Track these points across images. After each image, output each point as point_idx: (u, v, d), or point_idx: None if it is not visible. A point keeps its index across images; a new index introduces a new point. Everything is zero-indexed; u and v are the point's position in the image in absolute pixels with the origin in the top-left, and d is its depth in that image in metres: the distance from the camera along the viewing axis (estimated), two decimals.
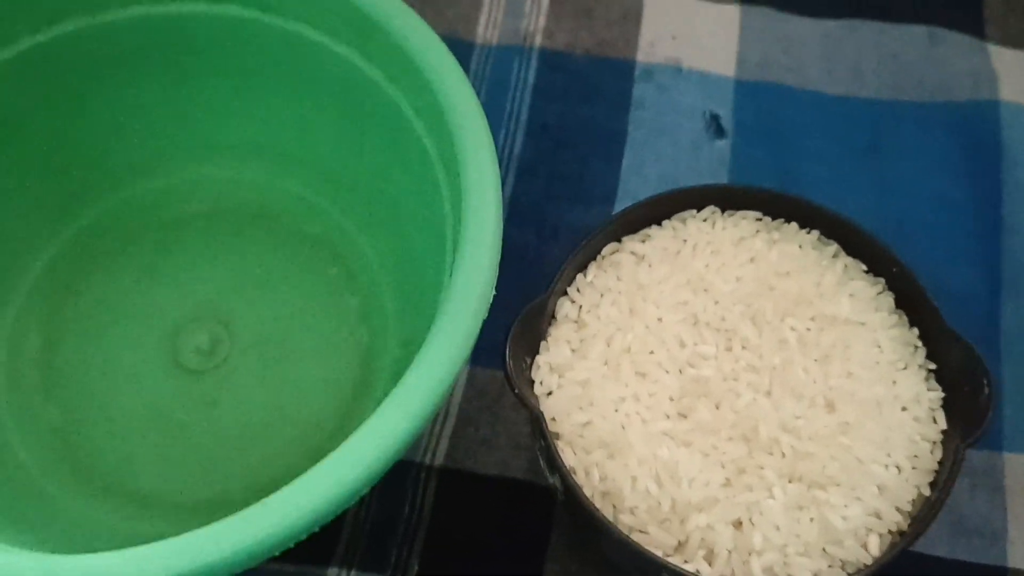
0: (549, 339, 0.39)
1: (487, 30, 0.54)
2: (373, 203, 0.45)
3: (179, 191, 0.47)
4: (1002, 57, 0.53)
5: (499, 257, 0.34)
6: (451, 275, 0.34)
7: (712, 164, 0.50)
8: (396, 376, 0.39)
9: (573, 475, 0.35)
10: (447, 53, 0.39)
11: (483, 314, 0.33)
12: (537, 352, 0.38)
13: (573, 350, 0.38)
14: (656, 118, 0.51)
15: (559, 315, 0.39)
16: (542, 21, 0.54)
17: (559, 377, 0.38)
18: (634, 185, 0.49)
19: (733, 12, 0.55)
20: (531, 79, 0.52)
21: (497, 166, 0.36)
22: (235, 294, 0.45)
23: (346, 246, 0.46)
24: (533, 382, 0.37)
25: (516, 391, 0.35)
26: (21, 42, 0.41)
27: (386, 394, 0.40)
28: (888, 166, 0.50)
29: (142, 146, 0.46)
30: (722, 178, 0.50)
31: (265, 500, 0.30)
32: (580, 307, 0.39)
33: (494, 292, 0.34)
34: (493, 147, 0.36)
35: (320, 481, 0.30)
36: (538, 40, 0.54)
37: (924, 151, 0.51)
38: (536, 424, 0.36)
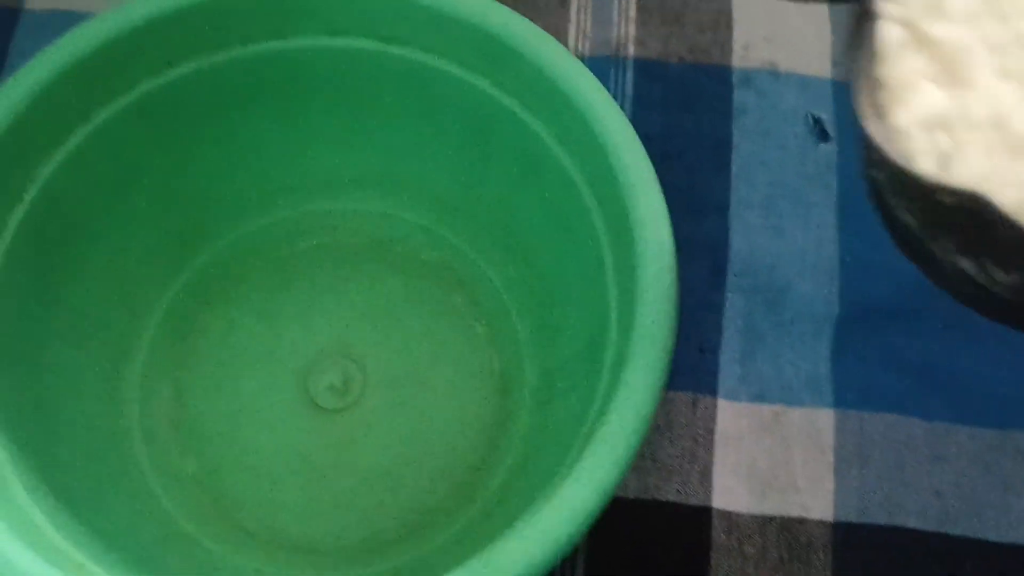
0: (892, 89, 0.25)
1: (578, 41, 0.53)
2: (497, 230, 0.44)
3: (295, 226, 0.46)
4: None
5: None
6: (629, 338, 0.33)
7: (820, 168, 0.50)
8: (539, 406, 0.39)
9: None
10: (590, 76, 0.38)
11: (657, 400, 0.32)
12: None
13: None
14: (759, 124, 0.51)
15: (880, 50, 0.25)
16: (632, 29, 0.54)
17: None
18: (745, 193, 0.49)
19: (822, 10, 0.54)
20: (629, 90, 0.52)
21: (661, 196, 0.36)
22: (361, 327, 0.45)
23: (468, 273, 0.45)
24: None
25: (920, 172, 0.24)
26: (140, 86, 0.40)
27: (530, 426, 0.40)
28: None
29: (255, 183, 0.45)
30: (832, 184, 0.49)
31: None
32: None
33: None
34: (657, 183, 0.36)
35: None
36: (631, 49, 0.53)
37: None
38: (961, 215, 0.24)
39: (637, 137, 0.37)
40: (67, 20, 0.52)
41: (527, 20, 0.39)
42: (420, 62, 0.41)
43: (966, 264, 0.25)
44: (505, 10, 0.39)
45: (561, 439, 0.35)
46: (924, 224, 0.26)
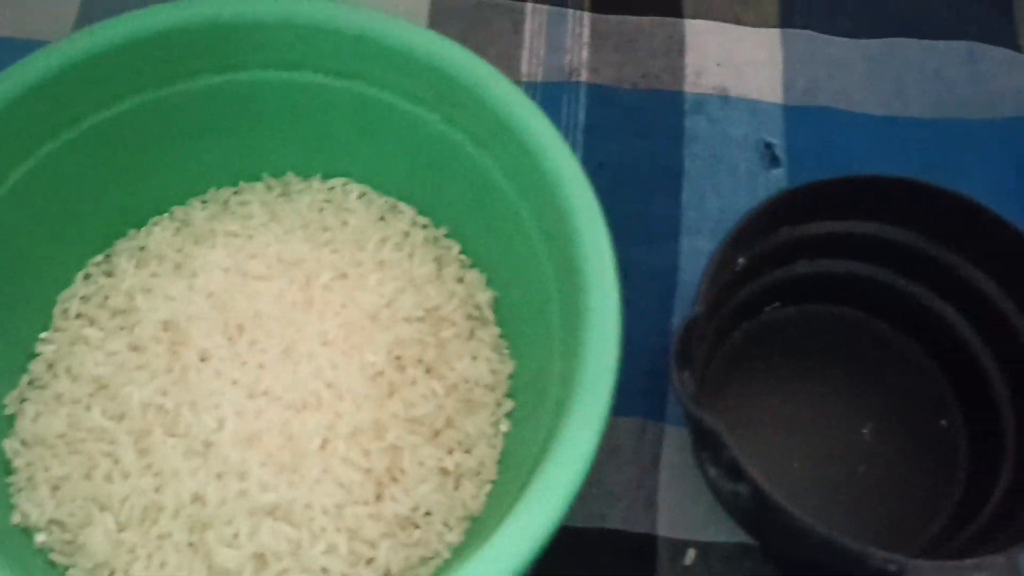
0: None
1: (530, 67, 0.54)
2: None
3: None
4: None
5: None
6: (572, 387, 0.34)
7: (771, 193, 0.50)
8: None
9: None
10: (539, 114, 0.38)
11: (600, 439, 0.33)
12: (690, 366, 0.38)
13: None
14: (710, 150, 0.51)
15: None
16: (585, 55, 0.54)
17: None
18: (695, 220, 0.50)
19: (774, 36, 0.55)
20: (582, 116, 0.52)
21: (607, 237, 0.36)
22: None
23: None
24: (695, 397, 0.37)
25: (690, 407, 0.35)
26: (87, 120, 0.40)
27: None
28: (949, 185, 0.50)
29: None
30: None
31: None
32: None
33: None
34: (604, 223, 0.36)
35: None
36: (584, 75, 0.53)
37: (975, 169, 0.51)
38: (712, 437, 0.35)
39: (586, 177, 0.37)
40: (11, 47, 0.52)
41: (477, 56, 0.39)
42: (370, 95, 0.42)
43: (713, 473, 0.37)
44: (455, 47, 0.40)
45: (520, 469, 0.36)
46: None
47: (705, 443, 0.38)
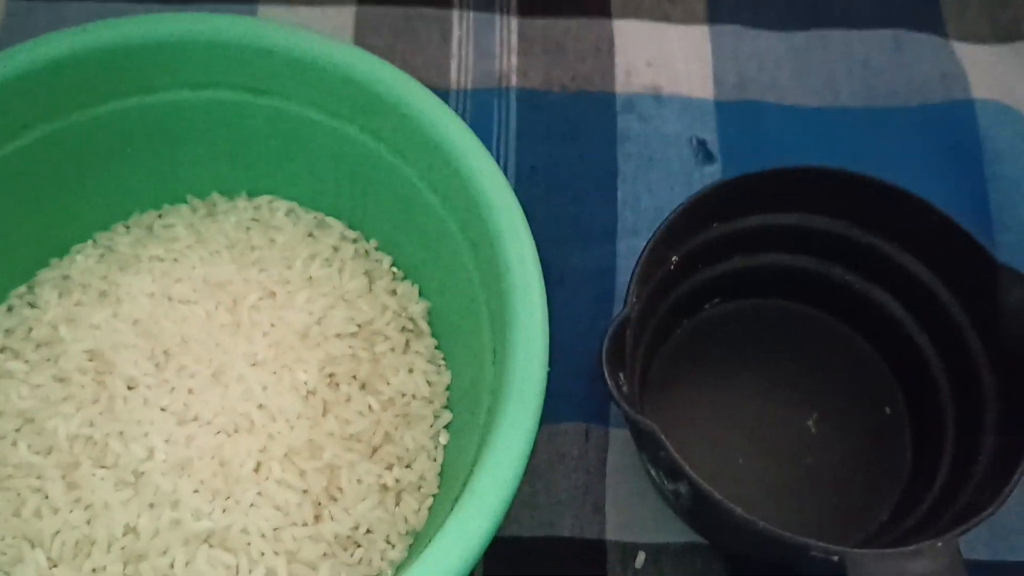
0: None
1: (460, 75, 0.53)
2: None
3: None
4: (967, 54, 0.54)
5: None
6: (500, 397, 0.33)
7: None
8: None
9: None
10: (458, 121, 0.38)
11: (534, 434, 0.32)
12: (624, 367, 0.37)
13: None
14: (644, 150, 0.51)
15: None
16: (514, 60, 0.54)
17: None
18: (631, 221, 0.49)
19: (702, 32, 0.55)
20: (512, 121, 0.52)
21: (531, 243, 0.36)
22: None
23: None
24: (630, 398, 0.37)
25: (624, 408, 0.35)
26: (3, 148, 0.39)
27: None
28: (882, 175, 0.50)
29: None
30: None
31: None
32: None
33: None
34: (527, 230, 0.36)
35: None
36: (514, 80, 0.53)
37: (906, 157, 0.51)
38: (648, 437, 0.35)
39: (505, 181, 0.37)
40: None
41: (391, 65, 0.39)
42: (288, 110, 0.41)
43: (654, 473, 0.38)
44: (368, 56, 0.39)
45: (457, 480, 0.36)
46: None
47: (643, 444, 0.37)
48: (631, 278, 0.38)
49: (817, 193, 0.42)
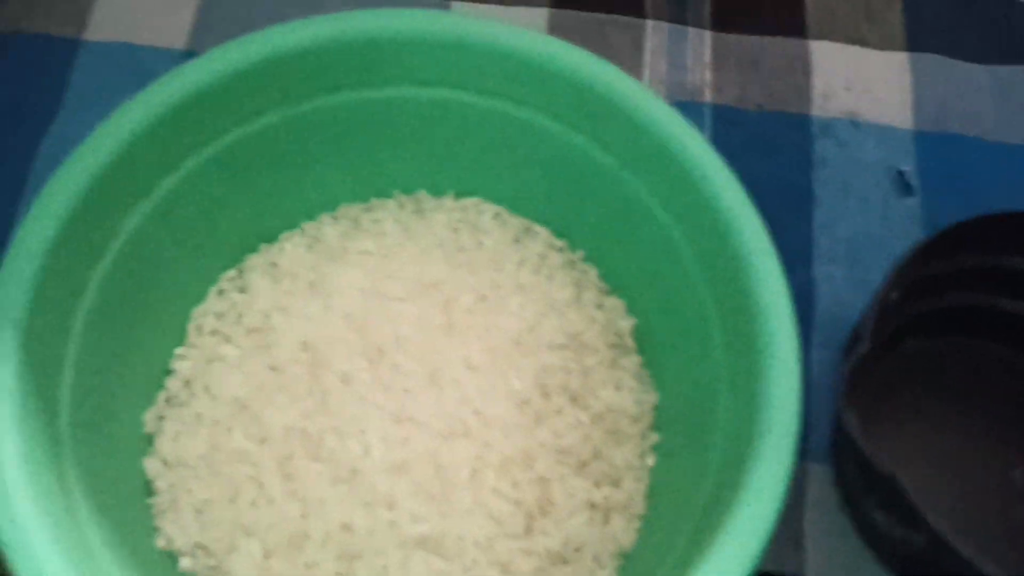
0: None
1: (653, 85, 0.52)
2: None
3: None
4: None
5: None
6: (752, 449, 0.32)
7: (904, 222, 0.49)
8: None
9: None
10: (700, 138, 0.37)
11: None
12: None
13: None
14: (840, 176, 0.50)
15: None
16: (708, 75, 0.53)
17: None
18: (827, 245, 0.48)
19: (902, 59, 0.53)
20: (709, 137, 0.51)
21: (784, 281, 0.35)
22: None
23: None
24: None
25: (862, 449, 0.34)
26: (228, 135, 0.39)
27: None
28: None
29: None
30: (916, 236, 0.48)
31: None
32: None
33: None
34: (780, 265, 0.35)
35: None
36: (707, 95, 0.52)
37: None
38: (882, 482, 0.34)
39: (751, 201, 0.36)
40: (126, 52, 0.51)
41: (627, 74, 0.38)
42: (510, 113, 0.41)
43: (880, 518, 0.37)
44: (605, 64, 0.38)
45: (676, 506, 0.35)
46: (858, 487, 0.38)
47: (874, 487, 0.36)
48: (868, 313, 0.37)
49: None
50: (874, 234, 0.48)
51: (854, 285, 0.47)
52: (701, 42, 0.54)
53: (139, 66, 0.51)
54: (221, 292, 0.41)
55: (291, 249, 0.42)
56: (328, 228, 0.43)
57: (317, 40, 0.39)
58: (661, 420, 0.40)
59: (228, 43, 0.38)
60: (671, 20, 0.54)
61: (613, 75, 0.38)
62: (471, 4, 0.54)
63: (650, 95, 0.38)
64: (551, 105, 0.40)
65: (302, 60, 0.39)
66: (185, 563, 0.35)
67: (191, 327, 0.40)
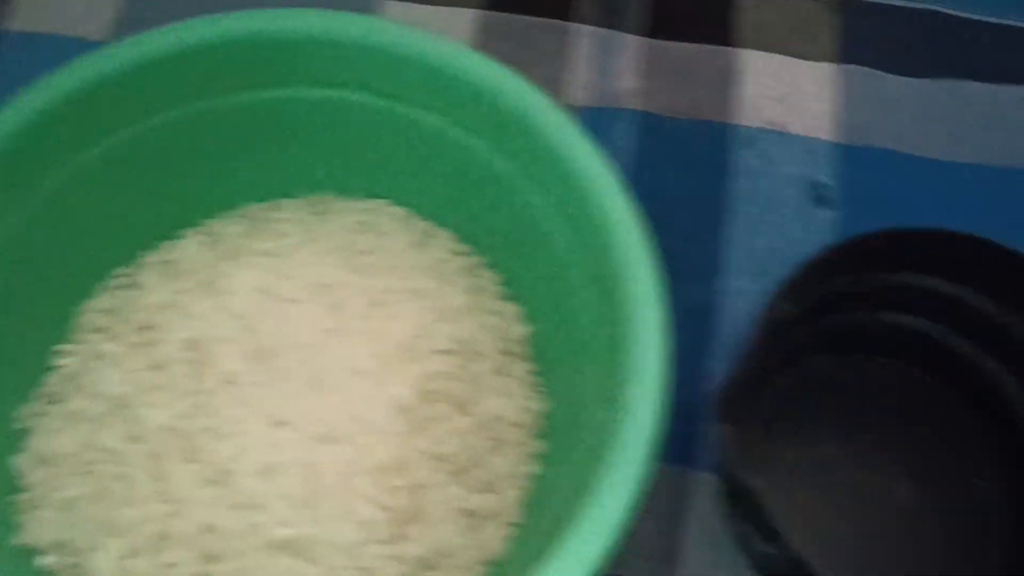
0: None
1: (578, 90, 0.52)
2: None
3: None
4: None
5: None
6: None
7: (821, 235, 0.48)
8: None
9: None
10: (595, 152, 0.37)
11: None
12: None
13: None
14: (758, 187, 0.50)
15: None
16: (635, 81, 0.52)
17: None
18: (738, 259, 0.48)
19: (833, 71, 0.53)
20: (629, 143, 0.50)
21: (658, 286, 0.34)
22: None
23: None
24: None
25: (729, 463, 0.34)
26: (122, 132, 0.39)
27: None
28: (1006, 239, 0.48)
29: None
30: None
31: None
32: None
33: None
34: (655, 273, 0.35)
35: None
36: (635, 101, 0.52)
37: None
38: (746, 495, 0.34)
39: (637, 218, 0.35)
40: (49, 43, 0.51)
41: (531, 84, 0.38)
42: (415, 118, 0.40)
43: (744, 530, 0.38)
44: (506, 73, 0.38)
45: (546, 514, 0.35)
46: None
47: (739, 499, 0.36)
48: (754, 327, 0.37)
49: (950, 258, 0.40)
50: (792, 248, 0.48)
51: (762, 297, 0.47)
52: (632, 48, 0.54)
53: (63, 58, 0.51)
54: (111, 289, 0.41)
55: (189, 247, 0.42)
56: (230, 227, 0.43)
57: (220, 38, 0.39)
58: (548, 428, 0.40)
59: (127, 38, 0.39)
60: (602, 25, 0.54)
61: (511, 82, 0.38)
62: (402, 4, 0.54)
63: (547, 103, 0.38)
64: (453, 110, 0.40)
65: (201, 57, 0.39)
66: (45, 560, 0.36)
67: (77, 324, 0.40)
